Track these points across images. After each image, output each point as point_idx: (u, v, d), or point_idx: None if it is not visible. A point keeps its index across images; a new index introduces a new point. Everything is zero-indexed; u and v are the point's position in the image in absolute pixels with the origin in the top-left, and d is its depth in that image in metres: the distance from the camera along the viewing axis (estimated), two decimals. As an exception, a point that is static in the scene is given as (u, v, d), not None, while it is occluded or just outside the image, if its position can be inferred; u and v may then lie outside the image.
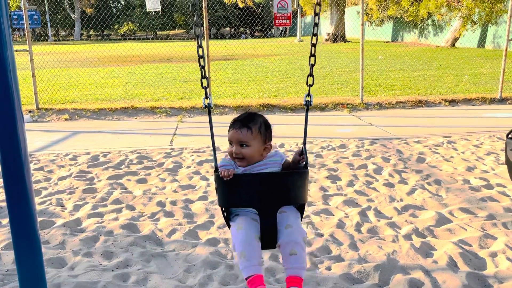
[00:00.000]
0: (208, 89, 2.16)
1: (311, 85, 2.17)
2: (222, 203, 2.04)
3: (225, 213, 2.07)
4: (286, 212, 1.99)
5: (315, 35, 2.16)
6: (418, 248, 3.04)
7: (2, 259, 3.01)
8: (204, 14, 8.32)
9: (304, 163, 2.07)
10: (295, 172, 2.03)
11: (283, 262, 1.98)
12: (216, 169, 2.03)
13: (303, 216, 2.11)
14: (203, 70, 2.14)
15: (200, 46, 2.17)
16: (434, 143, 5.81)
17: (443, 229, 3.35)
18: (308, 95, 2.18)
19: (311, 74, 2.17)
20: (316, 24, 2.19)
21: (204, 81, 2.14)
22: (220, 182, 1.97)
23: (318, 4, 2.17)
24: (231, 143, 2.07)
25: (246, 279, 1.90)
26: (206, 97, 2.14)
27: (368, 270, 2.78)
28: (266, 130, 2.10)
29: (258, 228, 1.94)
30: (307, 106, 2.20)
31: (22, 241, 2.48)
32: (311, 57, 2.17)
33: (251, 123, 2.07)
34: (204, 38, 7.92)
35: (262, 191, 1.94)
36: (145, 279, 2.76)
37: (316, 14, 2.18)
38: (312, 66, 2.16)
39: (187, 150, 5.76)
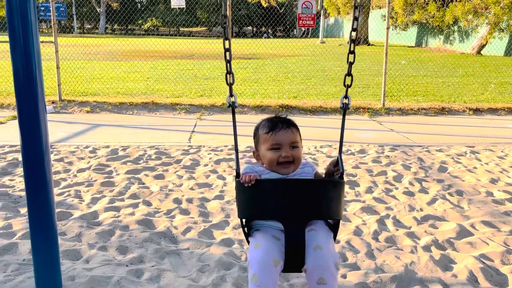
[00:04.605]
0: (232, 86, 2.02)
1: (349, 86, 1.95)
2: (242, 215, 1.81)
3: (245, 228, 1.84)
4: (316, 230, 1.73)
5: (354, 30, 1.95)
6: (437, 260, 2.96)
7: (19, 248, 3.04)
8: (228, 12, 8.31)
9: (339, 175, 1.84)
10: (329, 180, 1.81)
11: None
12: (238, 175, 1.84)
13: (337, 237, 1.84)
14: (228, 64, 1.95)
15: (226, 38, 1.98)
16: (457, 153, 5.68)
17: (464, 242, 3.25)
18: (346, 96, 1.97)
19: (349, 74, 1.94)
20: (356, 18, 2.00)
21: (230, 77, 1.97)
22: (241, 189, 1.77)
23: (356, 7, 2.00)
24: (278, 148, 1.83)
25: None
26: (231, 95, 1.99)
27: (384, 281, 2.72)
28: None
29: (280, 249, 1.66)
30: (345, 110, 2.00)
31: (39, 231, 2.50)
32: (350, 54, 1.93)
33: (294, 123, 1.91)
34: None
35: (289, 200, 1.67)
36: (158, 276, 2.76)
37: (355, 18, 2.01)
38: (350, 64, 1.94)
39: (205, 148, 5.75)
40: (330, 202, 1.72)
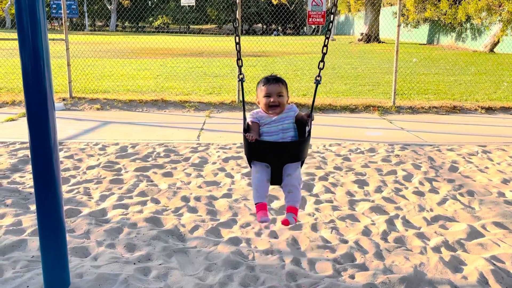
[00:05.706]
0: (242, 68, 2.74)
1: (321, 69, 2.72)
2: (247, 155, 2.72)
3: (248, 159, 2.73)
4: (289, 163, 2.63)
5: (329, 30, 2.74)
6: (447, 262, 2.92)
7: (28, 245, 3.06)
8: (238, 10, 8.30)
9: (309, 127, 2.67)
10: (300, 141, 2.65)
11: (284, 198, 2.69)
12: (245, 130, 2.69)
13: (303, 165, 2.79)
14: (238, 53, 2.74)
15: (237, 35, 2.73)
16: (468, 152, 5.60)
17: (474, 244, 3.21)
18: (319, 75, 2.75)
19: (322, 60, 2.72)
20: (330, 26, 2.79)
21: (239, 61, 2.75)
22: (246, 141, 2.62)
23: (332, 13, 2.76)
24: (269, 95, 2.67)
25: (255, 204, 2.65)
26: (240, 73, 2.75)
27: (393, 282, 2.69)
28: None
29: (269, 173, 2.63)
30: (317, 84, 2.76)
31: (48, 228, 2.51)
32: (324, 47, 2.73)
33: (282, 80, 2.75)
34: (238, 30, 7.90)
35: (274, 154, 2.60)
36: (165, 274, 2.76)
37: (331, 21, 2.76)
38: (324, 54, 2.72)
39: (213, 146, 5.75)
40: (300, 152, 2.65)
